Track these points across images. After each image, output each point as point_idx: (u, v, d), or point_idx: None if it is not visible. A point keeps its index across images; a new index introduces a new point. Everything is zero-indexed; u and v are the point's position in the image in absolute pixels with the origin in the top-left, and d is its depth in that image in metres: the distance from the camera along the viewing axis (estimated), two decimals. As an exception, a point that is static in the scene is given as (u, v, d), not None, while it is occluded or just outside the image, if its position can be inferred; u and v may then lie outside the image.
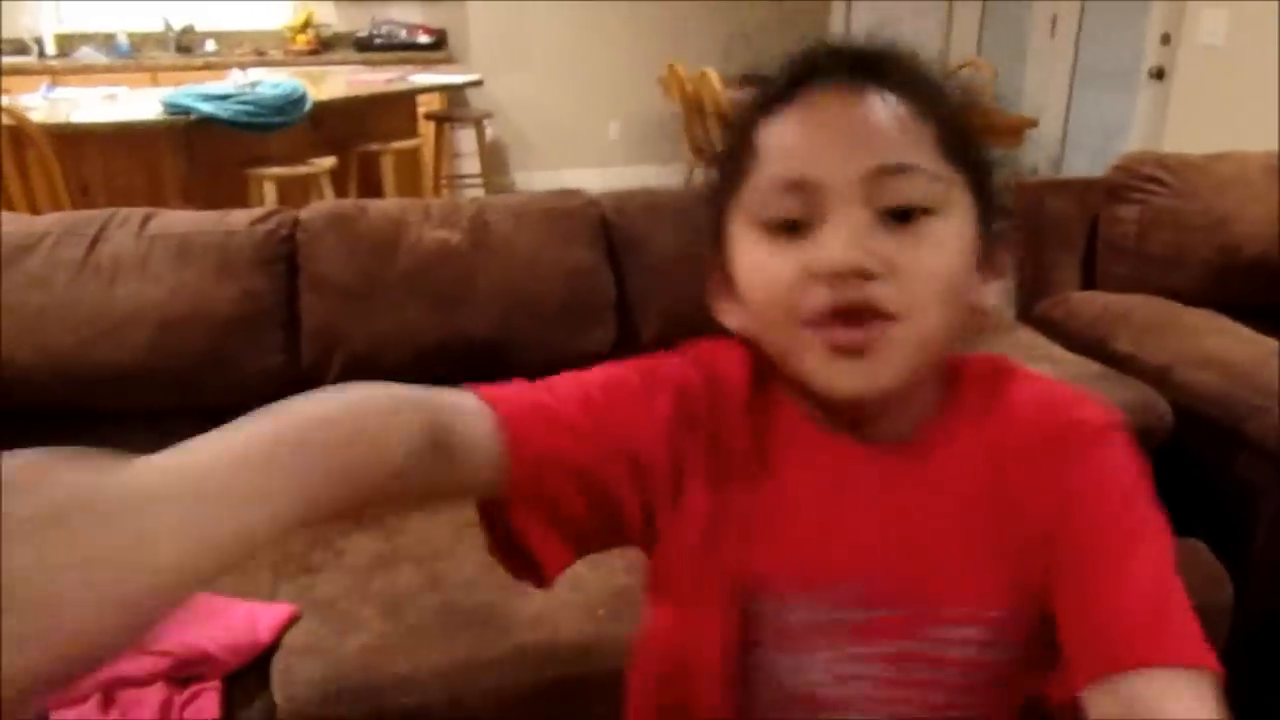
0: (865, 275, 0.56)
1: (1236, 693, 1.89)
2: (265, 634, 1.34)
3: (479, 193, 5.48)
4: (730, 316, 0.64)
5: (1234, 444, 1.63)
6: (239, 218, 1.85)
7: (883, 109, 0.58)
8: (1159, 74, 4.13)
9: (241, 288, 1.75)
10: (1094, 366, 1.72)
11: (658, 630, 0.67)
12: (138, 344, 1.70)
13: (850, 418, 0.62)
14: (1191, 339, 1.81)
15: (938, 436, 0.62)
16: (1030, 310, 2.16)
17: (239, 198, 3.50)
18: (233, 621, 1.34)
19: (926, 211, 0.57)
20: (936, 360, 0.61)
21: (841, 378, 0.58)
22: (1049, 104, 4.95)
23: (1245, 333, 1.80)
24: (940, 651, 0.60)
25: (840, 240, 0.56)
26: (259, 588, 1.52)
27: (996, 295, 0.63)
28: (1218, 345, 1.78)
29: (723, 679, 0.62)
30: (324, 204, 1.94)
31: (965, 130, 0.61)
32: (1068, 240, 2.19)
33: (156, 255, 1.75)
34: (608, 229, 1.94)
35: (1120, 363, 1.79)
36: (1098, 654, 0.56)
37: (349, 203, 1.93)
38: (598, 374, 0.63)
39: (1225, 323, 1.85)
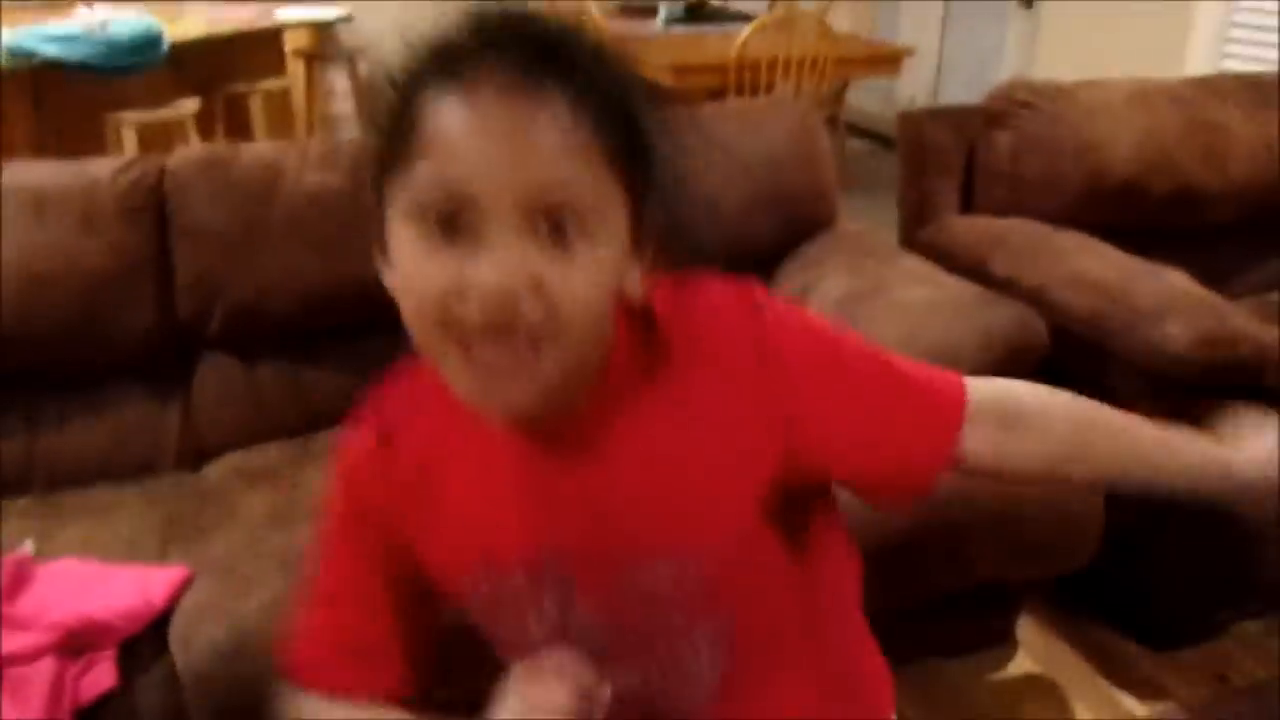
0: (515, 300, 0.56)
1: (1099, 595, 1.98)
2: (159, 598, 1.30)
3: (356, 134, 5.28)
4: (390, 280, 0.62)
5: (1104, 359, 1.72)
6: (100, 167, 1.74)
7: (552, 119, 0.55)
8: (1028, 2, 4.24)
9: (108, 242, 1.66)
10: (973, 289, 1.78)
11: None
12: (-3, 304, 1.60)
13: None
14: (1063, 261, 1.89)
15: (607, 416, 0.64)
16: (914, 236, 2.22)
17: (96, 147, 3.30)
18: (123, 587, 1.30)
19: (583, 228, 0.57)
20: (588, 361, 0.61)
21: (491, 399, 0.59)
22: (924, 34, 5.04)
23: (1114, 253, 1.89)
24: (643, 589, 0.66)
25: (494, 262, 0.55)
26: (147, 552, 1.47)
27: (638, 279, 0.63)
28: (1088, 266, 1.86)
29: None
30: (192, 150, 1.84)
31: (631, 119, 0.59)
32: (947, 167, 2.24)
33: (11, 211, 1.64)
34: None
35: (998, 285, 1.86)
36: (893, 491, 0.71)
37: (220, 147, 1.85)
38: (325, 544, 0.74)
39: (1095, 244, 1.94)
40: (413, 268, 0.57)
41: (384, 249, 0.62)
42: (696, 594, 0.66)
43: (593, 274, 0.57)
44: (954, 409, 0.70)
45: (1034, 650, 1.84)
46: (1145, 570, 1.79)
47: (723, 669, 0.70)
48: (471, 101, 0.56)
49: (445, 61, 0.58)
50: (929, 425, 0.70)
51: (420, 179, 0.57)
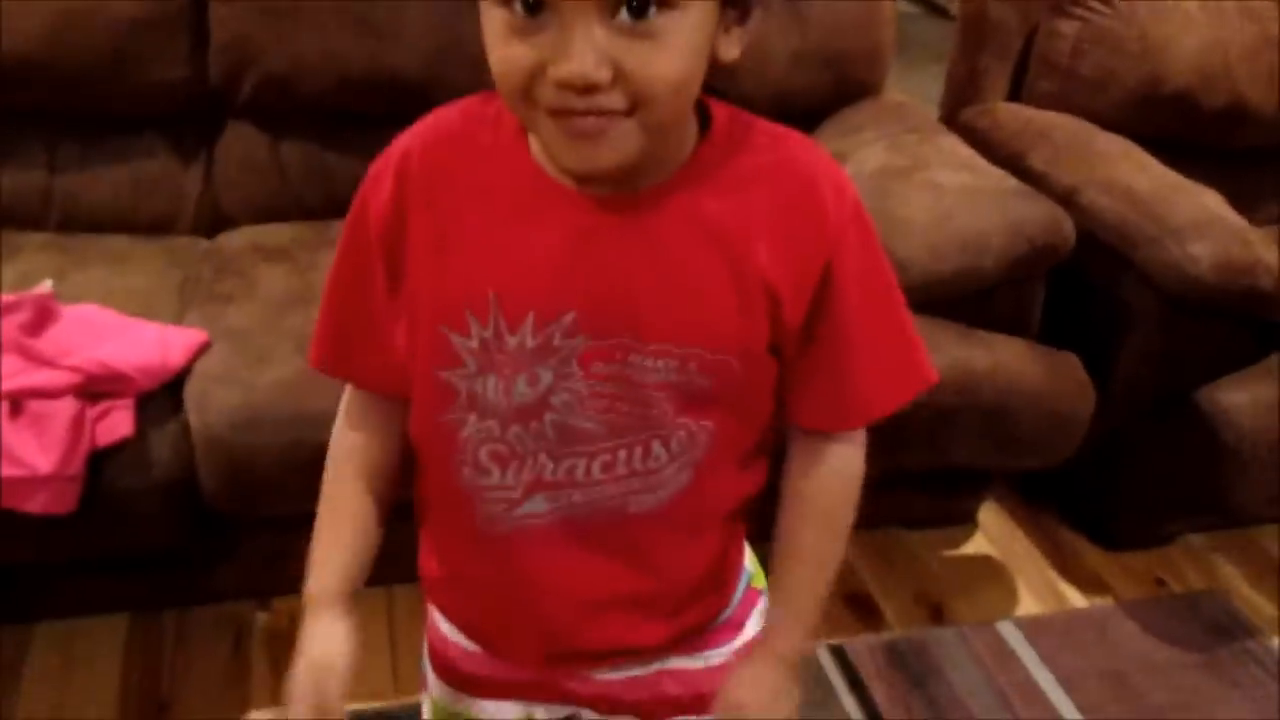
0: (594, 87, 0.56)
1: (1059, 489, 2.05)
2: (177, 357, 1.33)
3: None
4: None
5: (1123, 269, 1.73)
6: (144, -96, 1.66)
7: None
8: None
9: (142, -15, 1.60)
10: (1010, 181, 1.76)
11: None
12: (26, 34, 1.56)
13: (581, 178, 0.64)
14: (1102, 165, 1.87)
15: (666, 194, 0.65)
16: (956, 114, 2.18)
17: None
18: (143, 342, 1.32)
19: (663, 5, 0.56)
20: (670, 132, 0.63)
21: (573, 158, 0.61)
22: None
23: (1154, 165, 1.87)
24: (640, 378, 0.66)
25: (572, 50, 0.55)
26: (164, 309, 1.49)
27: (739, 42, 0.63)
28: (1126, 174, 1.84)
29: (446, 399, 0.69)
30: (240, -99, 1.75)
31: None
32: (1004, 49, 2.18)
33: (47, -61, 1.57)
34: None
35: (1033, 178, 1.84)
36: (826, 413, 0.74)
37: (269, -96, 1.75)
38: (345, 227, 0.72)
39: (1137, 153, 1.91)
40: (497, 47, 0.58)
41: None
42: (687, 397, 0.67)
43: (677, 52, 0.57)
44: (918, 379, 0.78)
45: (991, 533, 1.94)
46: (1112, 475, 1.86)
47: (684, 483, 0.71)
48: None
49: None
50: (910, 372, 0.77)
51: None
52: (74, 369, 1.24)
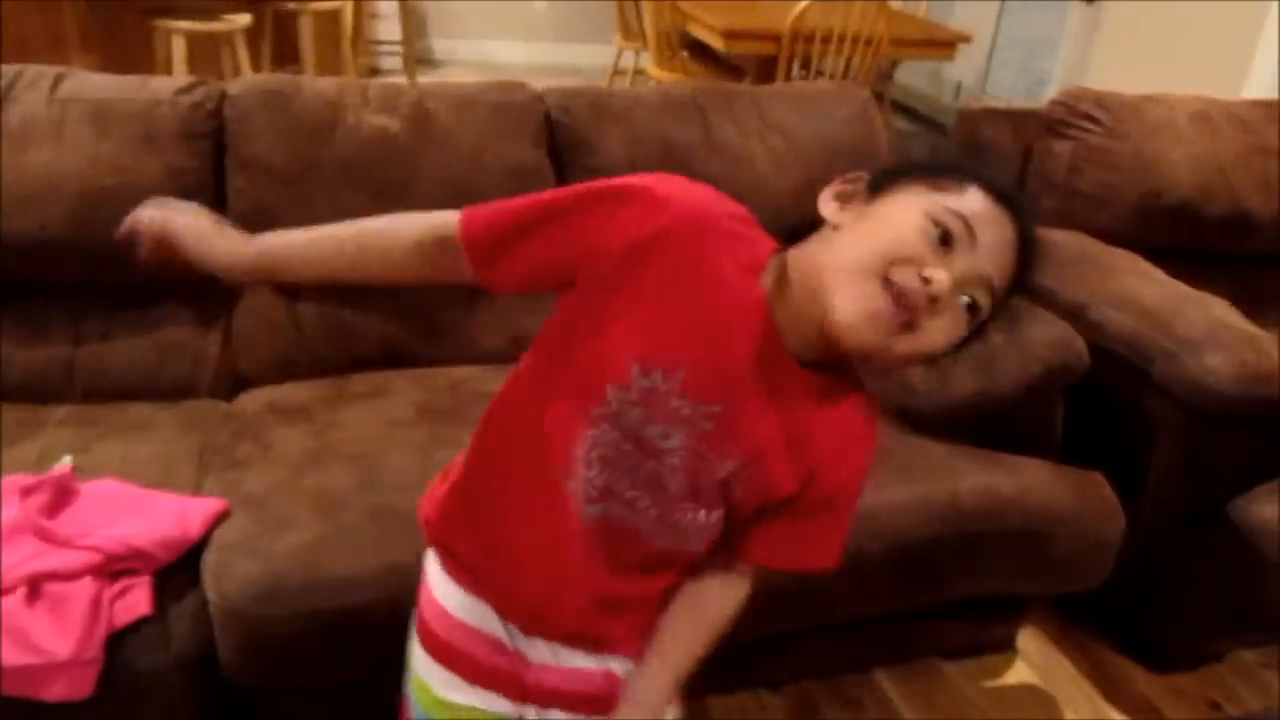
0: (935, 300, 0.77)
1: (1102, 611, 2.00)
2: (196, 529, 1.32)
3: (397, 61, 5.24)
4: (829, 210, 0.86)
5: (1142, 384, 1.72)
6: (161, 86, 1.74)
7: (1006, 228, 0.81)
8: (1091, -2, 4.17)
9: (165, 163, 1.66)
10: (1017, 302, 1.77)
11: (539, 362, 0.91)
12: (53, 215, 1.61)
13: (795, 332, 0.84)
14: (1111, 279, 1.89)
15: (821, 378, 0.86)
16: (959, 237, 2.21)
17: (145, 52, 3.27)
18: (162, 515, 1.32)
19: (976, 309, 0.81)
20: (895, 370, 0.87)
21: (854, 329, 0.78)
22: (979, 19, 4.96)
23: (1162, 277, 1.88)
24: (718, 473, 0.87)
25: (951, 276, 0.77)
26: (182, 477, 1.49)
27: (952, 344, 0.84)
28: (1135, 287, 1.85)
29: (578, 416, 0.86)
30: (254, 79, 1.83)
31: (1031, 260, 0.85)
32: (1001, 169, 2.22)
33: (72, 122, 1.64)
34: (552, 127, 1.89)
35: (1040, 296, 1.85)
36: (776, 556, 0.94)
37: (281, 78, 1.83)
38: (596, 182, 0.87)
39: (1144, 265, 1.93)
40: (908, 222, 0.79)
41: (851, 196, 0.85)
42: (726, 487, 0.88)
43: (945, 335, 0.81)
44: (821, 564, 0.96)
45: (1033, 660, 1.88)
46: (1151, 591, 1.81)
47: (694, 547, 0.92)
48: (992, 198, 0.81)
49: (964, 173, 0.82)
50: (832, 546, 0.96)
51: (957, 206, 0.79)
52: (93, 549, 1.23)
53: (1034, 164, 2.19)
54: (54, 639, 1.17)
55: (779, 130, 1.97)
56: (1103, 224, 2.08)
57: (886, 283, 0.77)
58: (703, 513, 0.89)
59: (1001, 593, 1.72)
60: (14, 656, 1.16)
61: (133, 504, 1.33)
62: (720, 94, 2.01)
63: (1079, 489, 1.65)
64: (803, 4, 3.60)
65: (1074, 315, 1.77)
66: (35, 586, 1.20)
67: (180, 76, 1.79)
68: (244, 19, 3.42)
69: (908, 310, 0.77)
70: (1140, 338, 1.74)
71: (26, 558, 1.22)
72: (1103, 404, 1.77)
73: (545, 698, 0.99)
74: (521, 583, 0.93)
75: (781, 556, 0.94)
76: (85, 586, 1.21)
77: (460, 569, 0.97)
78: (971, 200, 0.80)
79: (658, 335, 0.83)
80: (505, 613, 0.96)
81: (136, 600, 1.24)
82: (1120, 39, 4.04)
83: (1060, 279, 1.91)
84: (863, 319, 0.77)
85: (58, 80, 1.69)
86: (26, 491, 1.30)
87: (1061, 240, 2.04)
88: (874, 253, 0.78)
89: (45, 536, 1.24)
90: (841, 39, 3.69)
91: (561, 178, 1.87)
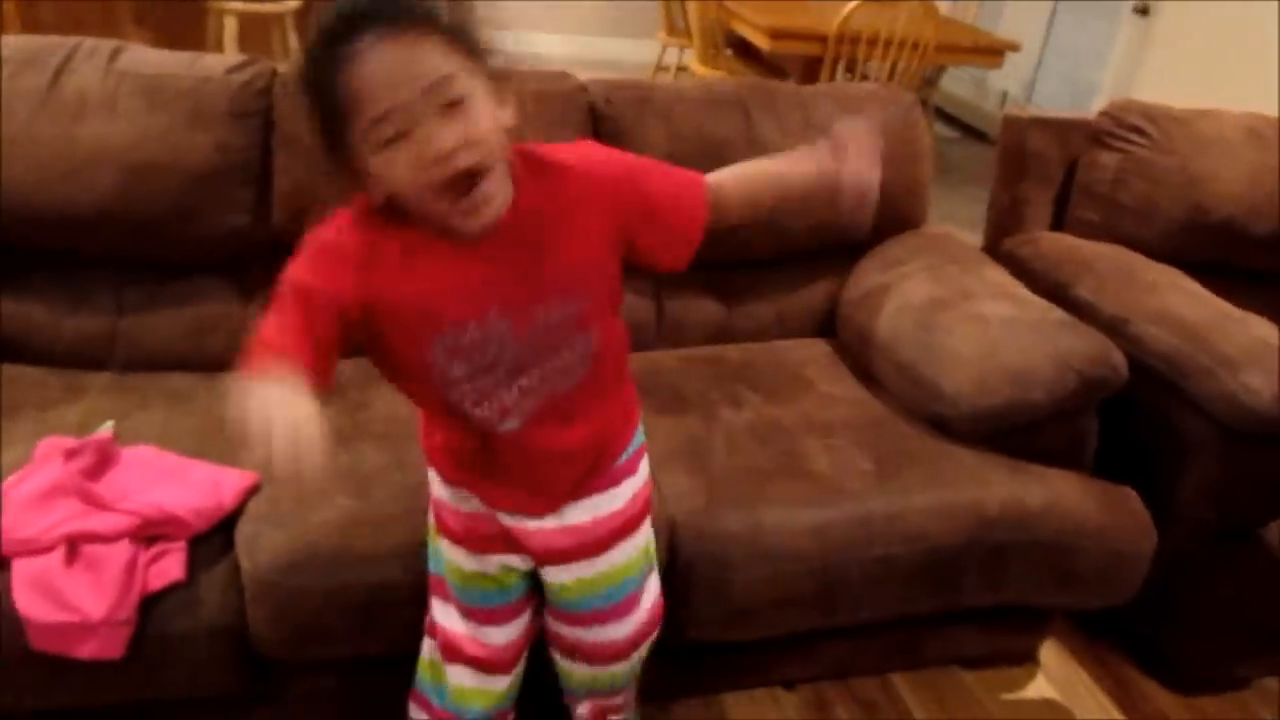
0: (455, 153, 0.91)
1: (1126, 628, 1.97)
2: (230, 499, 1.35)
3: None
4: (378, 188, 0.96)
5: (1178, 401, 1.70)
6: (213, 64, 1.76)
7: (414, 41, 0.90)
8: (1143, 10, 4.12)
9: (214, 139, 1.68)
10: (1056, 312, 1.76)
11: (399, 382, 1.12)
12: (102, 187, 1.63)
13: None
14: (1151, 294, 1.87)
15: (510, 212, 1.00)
16: (999, 243, 2.19)
17: (197, 30, 3.31)
18: (198, 484, 1.34)
19: (463, 95, 0.92)
20: (506, 179, 0.99)
21: (470, 224, 0.97)
22: (1028, 27, 4.91)
23: (1203, 294, 1.86)
24: (549, 319, 1.05)
25: (435, 138, 0.90)
26: (216, 449, 1.51)
27: (513, 114, 0.99)
28: (1175, 303, 1.83)
29: (436, 383, 1.05)
30: (304, 58, 1.85)
31: (460, 22, 0.94)
32: (1045, 178, 2.21)
33: (125, 95, 1.67)
34: (595, 118, 1.90)
35: (1079, 308, 1.84)
36: (677, 244, 1.13)
37: (331, 60, 1.84)
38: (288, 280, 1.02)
39: (1186, 281, 1.91)
40: (390, 169, 0.92)
41: (356, 176, 0.96)
42: (576, 321, 1.07)
43: (485, 121, 0.94)
44: (700, 184, 1.15)
45: (1053, 673, 1.86)
46: (1177, 611, 1.79)
47: (587, 369, 1.11)
48: (363, 56, 0.89)
49: (335, 43, 0.90)
50: (692, 193, 1.14)
51: (364, 123, 0.90)
52: (130, 513, 1.26)
53: (1078, 174, 2.17)
54: (89, 599, 1.19)
55: (821, 130, 1.94)
56: (1145, 238, 2.06)
57: (440, 197, 0.94)
58: (578, 345, 1.08)
59: (1024, 604, 1.71)
60: (49, 613, 1.19)
61: (170, 472, 1.35)
62: (764, 91, 2.01)
63: (1109, 503, 1.64)
64: (850, 5, 3.59)
65: (1112, 329, 1.76)
66: (74, 547, 1.23)
67: (232, 55, 1.81)
68: (294, 2, 3.46)
69: (460, 186, 0.94)
70: (1179, 354, 1.72)
71: (67, 517, 1.25)
72: (1136, 419, 1.76)
73: (544, 557, 1.20)
74: (518, 487, 1.16)
75: (688, 231, 1.13)
76: (122, 549, 1.23)
77: (457, 483, 1.19)
78: (376, 64, 0.89)
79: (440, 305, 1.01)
80: (523, 510, 1.18)
81: (170, 566, 1.26)
82: (1172, 52, 3.99)
83: (1099, 292, 1.90)
84: (464, 221, 0.97)
85: (114, 54, 1.72)
86: (70, 454, 1.33)
87: (1102, 253, 2.02)
88: (418, 200, 0.95)
89: (87, 498, 1.27)
90: (888, 43, 3.67)
91: (602, 169, 1.88)
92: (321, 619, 1.32)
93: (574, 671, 1.34)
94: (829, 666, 1.77)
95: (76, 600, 1.19)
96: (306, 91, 0.93)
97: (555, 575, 1.23)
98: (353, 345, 1.05)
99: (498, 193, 0.96)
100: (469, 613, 1.24)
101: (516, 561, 1.22)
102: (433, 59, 0.90)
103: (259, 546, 1.32)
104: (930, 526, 1.55)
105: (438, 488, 1.23)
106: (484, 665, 1.26)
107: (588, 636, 1.28)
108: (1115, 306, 1.84)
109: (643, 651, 1.34)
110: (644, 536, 1.28)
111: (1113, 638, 1.93)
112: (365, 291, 0.98)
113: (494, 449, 1.12)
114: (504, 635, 1.26)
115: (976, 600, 1.66)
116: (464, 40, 0.93)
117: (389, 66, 0.88)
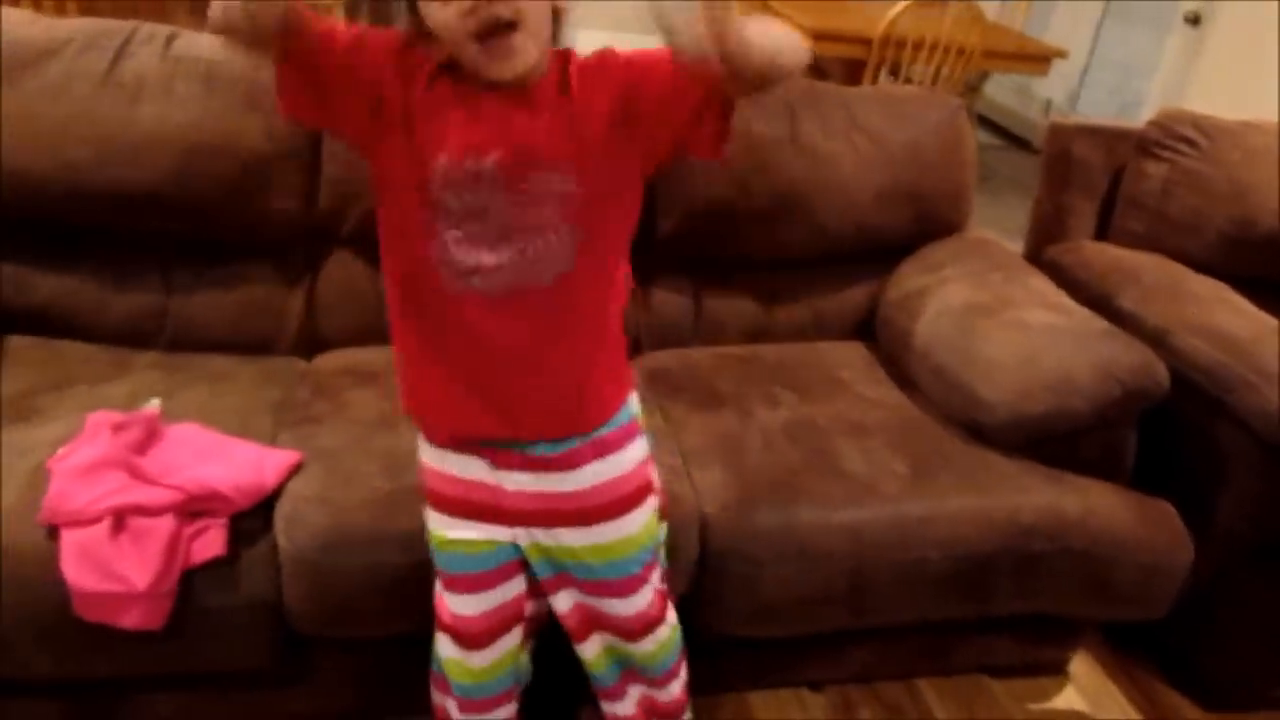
0: (496, 8, 0.98)
1: (1157, 642, 1.95)
2: (272, 478, 1.37)
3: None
4: (440, 54, 1.05)
5: (1219, 415, 1.69)
6: (267, 49, 1.79)
7: None
8: (1195, 19, 4.06)
9: (266, 125, 1.71)
10: (1099, 322, 1.75)
11: (386, 216, 1.14)
12: (159, 167, 1.66)
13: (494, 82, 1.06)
14: (1195, 307, 1.85)
15: (540, 91, 1.07)
16: (1041, 251, 2.18)
17: (247, 16, 3.34)
18: (241, 462, 1.37)
19: None
20: (543, 45, 1.05)
21: (497, 70, 1.03)
22: (1075, 35, 4.86)
23: (1248, 308, 1.84)
24: (543, 189, 1.08)
25: None
26: (259, 429, 1.54)
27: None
28: (1219, 316, 1.81)
29: (423, 214, 1.09)
30: (355, 47, 1.87)
31: None
32: (1090, 187, 2.19)
33: (182, 78, 1.70)
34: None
35: (1122, 318, 1.83)
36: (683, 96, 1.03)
37: (381, 49, 1.87)
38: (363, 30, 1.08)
39: (1231, 295, 1.89)
40: (444, 14, 1.00)
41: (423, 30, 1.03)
42: (569, 199, 1.08)
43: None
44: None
45: (1082, 685, 1.85)
46: (1210, 627, 1.78)
47: (574, 256, 1.10)
48: None
49: None
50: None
51: None
52: (175, 488, 1.28)
53: (1124, 184, 2.15)
54: (134, 570, 1.22)
55: (866, 132, 1.96)
56: (1190, 250, 2.04)
57: (473, 39, 1.01)
58: (564, 234, 1.09)
59: (1056, 614, 1.70)
60: (95, 583, 1.22)
61: (214, 449, 1.38)
62: (809, 92, 2.01)
63: (1146, 516, 1.62)
64: (897, 8, 3.57)
65: (1154, 340, 1.74)
66: (120, 519, 1.25)
67: (285, 42, 1.84)
68: (344, -9, 3.50)
69: (492, 32, 1.00)
70: (1221, 367, 1.70)
71: (114, 490, 1.27)
72: (1178, 432, 1.74)
73: (525, 519, 1.21)
74: (486, 403, 1.16)
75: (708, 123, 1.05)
76: (166, 523, 1.26)
77: (438, 433, 1.22)
78: None
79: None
80: (492, 434, 1.18)
81: (212, 541, 1.28)
82: (1223, 64, 3.93)
83: (1143, 303, 1.88)
84: (492, 67, 1.03)
85: (170, 39, 1.75)
86: (118, 428, 1.36)
87: (1146, 264, 2.00)
88: (448, 40, 1.02)
89: (134, 472, 1.30)
90: (933, 47, 3.65)
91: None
92: (356, 595, 1.34)
93: (599, 651, 1.32)
94: (856, 669, 1.76)
95: (122, 570, 1.21)
96: None
97: (545, 538, 1.22)
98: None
99: (529, 49, 1.02)
100: (446, 580, 1.26)
101: (501, 533, 1.22)
102: None
103: (298, 524, 1.34)
104: (964, 532, 1.55)
105: (426, 452, 1.25)
106: (457, 636, 1.26)
107: (596, 604, 1.27)
108: (1158, 318, 1.83)
109: (662, 637, 1.32)
110: (644, 515, 1.26)
111: (1144, 651, 1.91)
112: (400, 89, 1.06)
113: (452, 336, 1.14)
114: (475, 606, 1.24)
115: (1008, 608, 1.65)
116: None
117: None
